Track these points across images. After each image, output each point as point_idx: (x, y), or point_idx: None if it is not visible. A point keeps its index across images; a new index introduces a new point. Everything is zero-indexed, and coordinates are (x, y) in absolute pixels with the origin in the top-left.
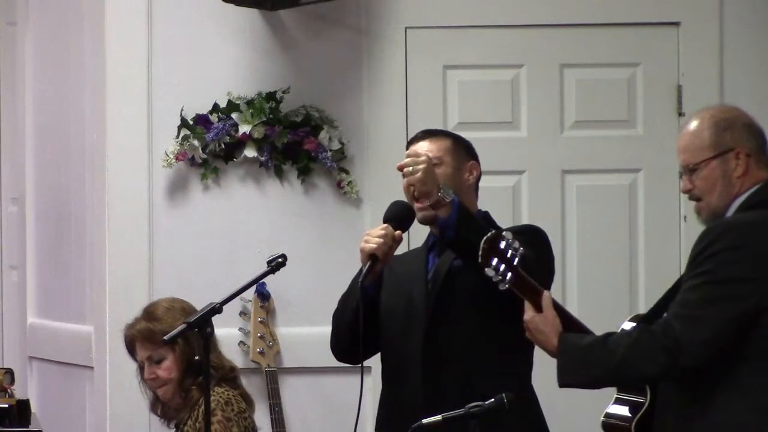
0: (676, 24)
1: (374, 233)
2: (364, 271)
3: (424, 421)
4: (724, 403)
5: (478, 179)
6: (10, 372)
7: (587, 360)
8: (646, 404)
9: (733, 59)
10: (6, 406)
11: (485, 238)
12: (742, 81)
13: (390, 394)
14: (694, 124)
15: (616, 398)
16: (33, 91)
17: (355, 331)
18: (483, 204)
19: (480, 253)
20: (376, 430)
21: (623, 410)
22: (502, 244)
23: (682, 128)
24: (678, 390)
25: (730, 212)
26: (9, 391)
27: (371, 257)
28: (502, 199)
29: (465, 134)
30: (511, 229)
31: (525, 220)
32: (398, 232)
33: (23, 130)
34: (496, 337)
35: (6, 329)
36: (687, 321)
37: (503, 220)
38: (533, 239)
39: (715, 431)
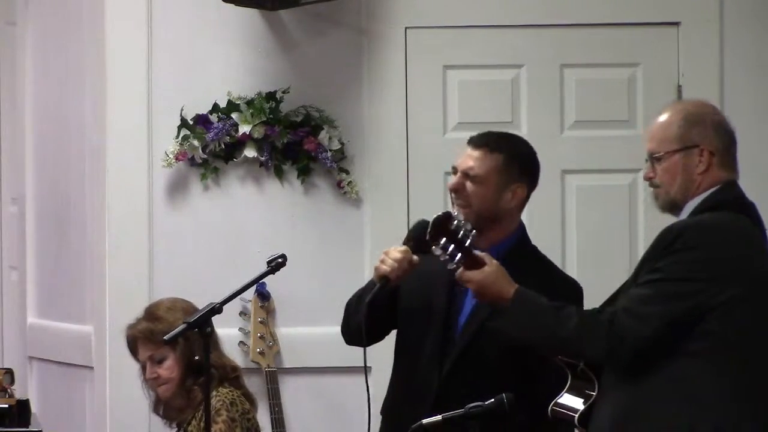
0: (676, 24)
1: (392, 254)
2: (375, 291)
3: (424, 421)
4: (662, 396)
5: (522, 201)
6: (10, 372)
7: (538, 321)
8: (594, 397)
9: (733, 59)
10: (6, 406)
11: (434, 220)
12: (742, 81)
13: (398, 383)
14: (665, 115)
15: (569, 388)
16: (33, 91)
17: (365, 332)
18: None
19: (428, 231)
20: (383, 406)
21: (573, 401)
22: (453, 225)
23: (654, 117)
24: (619, 380)
25: (688, 208)
26: (9, 391)
27: (383, 279)
28: None
29: (465, 134)
30: (552, 286)
31: (525, 221)
32: (416, 257)
33: (23, 130)
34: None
35: (6, 329)
36: (632, 316)
37: None
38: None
39: (650, 421)
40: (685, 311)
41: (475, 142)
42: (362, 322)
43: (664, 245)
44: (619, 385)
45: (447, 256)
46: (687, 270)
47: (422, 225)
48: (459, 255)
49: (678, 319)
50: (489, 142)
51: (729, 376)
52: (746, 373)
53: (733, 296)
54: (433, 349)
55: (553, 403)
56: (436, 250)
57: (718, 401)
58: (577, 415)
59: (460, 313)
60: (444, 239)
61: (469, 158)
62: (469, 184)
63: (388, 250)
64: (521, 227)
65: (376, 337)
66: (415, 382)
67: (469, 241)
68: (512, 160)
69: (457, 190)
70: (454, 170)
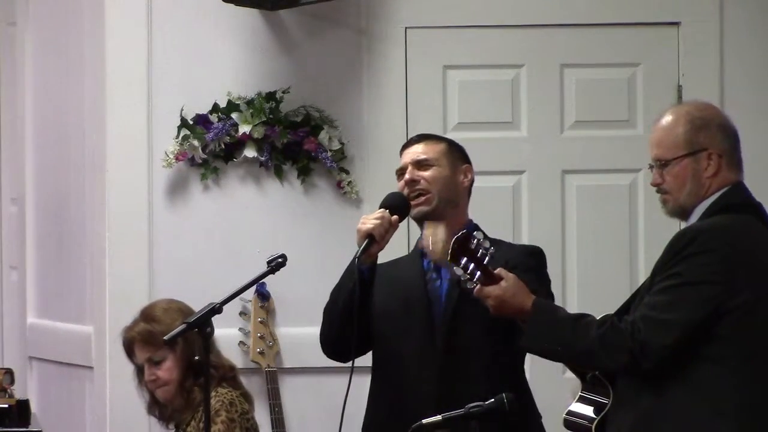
0: (676, 24)
1: (371, 215)
2: (360, 249)
3: (424, 421)
4: (682, 402)
5: (471, 183)
6: (10, 372)
7: (555, 334)
8: (609, 405)
9: (733, 59)
10: (6, 406)
11: (455, 238)
12: (742, 81)
13: (383, 394)
14: (668, 119)
15: (580, 396)
16: (33, 91)
17: (349, 317)
18: (483, 204)
19: (449, 252)
20: (364, 426)
21: (586, 410)
22: (473, 244)
23: (655, 121)
24: (637, 388)
25: (697, 212)
26: (9, 391)
27: (368, 236)
28: (502, 199)
29: (465, 134)
30: (518, 249)
31: (525, 221)
32: (395, 217)
33: (23, 130)
34: (506, 358)
35: (6, 329)
36: (653, 324)
37: (503, 220)
38: (539, 264)
39: (672, 429)
40: (705, 315)
41: (412, 141)
42: (356, 282)
43: (678, 249)
44: (637, 391)
45: (467, 276)
46: (704, 273)
47: (395, 194)
48: (478, 273)
49: (699, 324)
50: (425, 136)
51: (748, 381)
52: (764, 377)
53: (746, 300)
54: (421, 334)
55: (566, 412)
56: (458, 271)
57: (739, 409)
58: (594, 425)
59: (439, 301)
60: (465, 259)
61: (413, 153)
62: (423, 173)
63: (366, 215)
64: (474, 225)
65: (360, 343)
66: (409, 371)
67: (487, 258)
68: (452, 146)
69: (414, 180)
70: (401, 171)
